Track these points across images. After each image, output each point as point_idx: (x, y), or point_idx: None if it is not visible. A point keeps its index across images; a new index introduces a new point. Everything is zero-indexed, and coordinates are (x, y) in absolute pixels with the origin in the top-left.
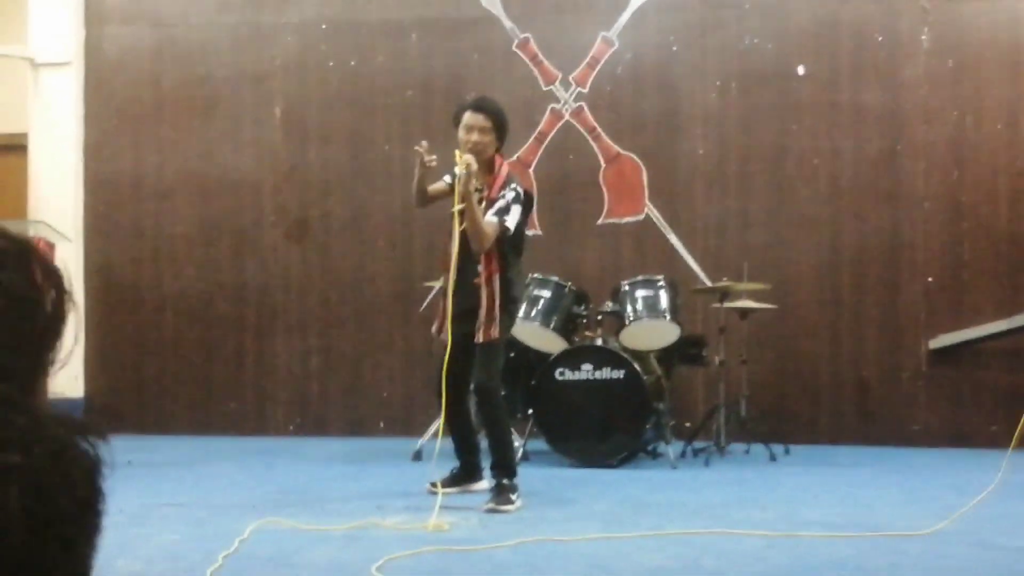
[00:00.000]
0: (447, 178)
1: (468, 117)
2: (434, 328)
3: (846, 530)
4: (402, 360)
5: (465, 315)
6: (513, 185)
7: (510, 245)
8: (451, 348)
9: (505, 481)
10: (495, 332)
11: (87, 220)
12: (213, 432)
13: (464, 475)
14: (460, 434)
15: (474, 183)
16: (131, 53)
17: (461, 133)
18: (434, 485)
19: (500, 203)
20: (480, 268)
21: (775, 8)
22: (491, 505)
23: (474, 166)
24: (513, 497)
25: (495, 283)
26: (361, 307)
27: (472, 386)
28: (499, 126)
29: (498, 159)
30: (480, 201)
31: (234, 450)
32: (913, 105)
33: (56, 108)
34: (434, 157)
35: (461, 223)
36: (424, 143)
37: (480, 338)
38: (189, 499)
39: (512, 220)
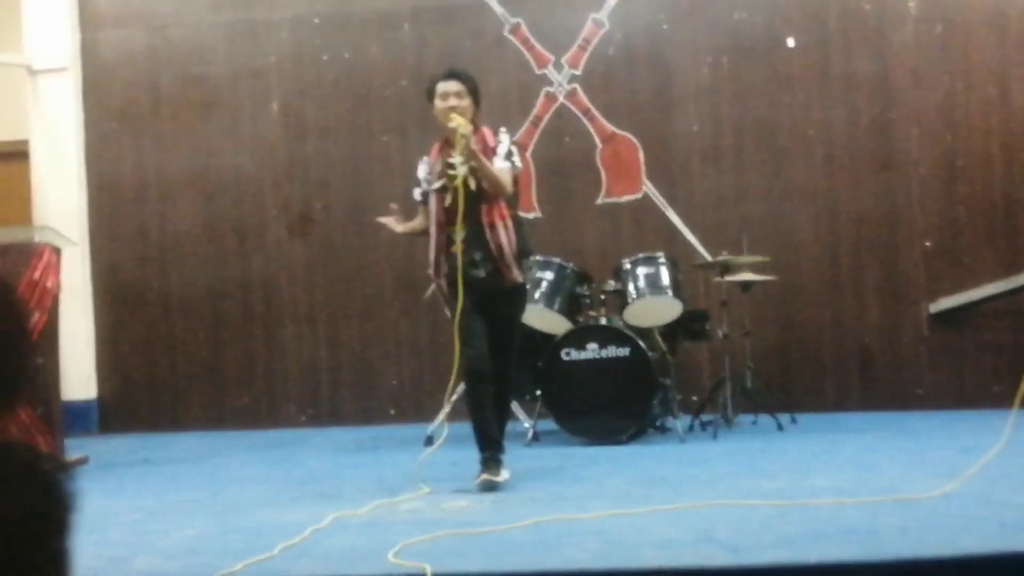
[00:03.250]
0: (417, 193)
1: (442, 86)
2: (431, 271)
3: (856, 495)
4: (409, 348)
5: (480, 283)
6: (503, 131)
7: (512, 193)
8: (464, 303)
9: (502, 456)
10: (519, 276)
11: (92, 223)
12: (226, 427)
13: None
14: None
15: (472, 141)
16: (127, 55)
17: (438, 103)
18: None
19: (501, 149)
20: (484, 218)
21: None
22: (490, 479)
23: (469, 126)
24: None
25: (508, 226)
26: (366, 297)
27: (500, 369)
28: (473, 91)
29: (477, 125)
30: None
31: (248, 444)
32: (903, 72)
33: (55, 113)
34: (396, 222)
35: (448, 191)
36: (391, 215)
37: (508, 280)
38: (205, 494)
39: (518, 160)
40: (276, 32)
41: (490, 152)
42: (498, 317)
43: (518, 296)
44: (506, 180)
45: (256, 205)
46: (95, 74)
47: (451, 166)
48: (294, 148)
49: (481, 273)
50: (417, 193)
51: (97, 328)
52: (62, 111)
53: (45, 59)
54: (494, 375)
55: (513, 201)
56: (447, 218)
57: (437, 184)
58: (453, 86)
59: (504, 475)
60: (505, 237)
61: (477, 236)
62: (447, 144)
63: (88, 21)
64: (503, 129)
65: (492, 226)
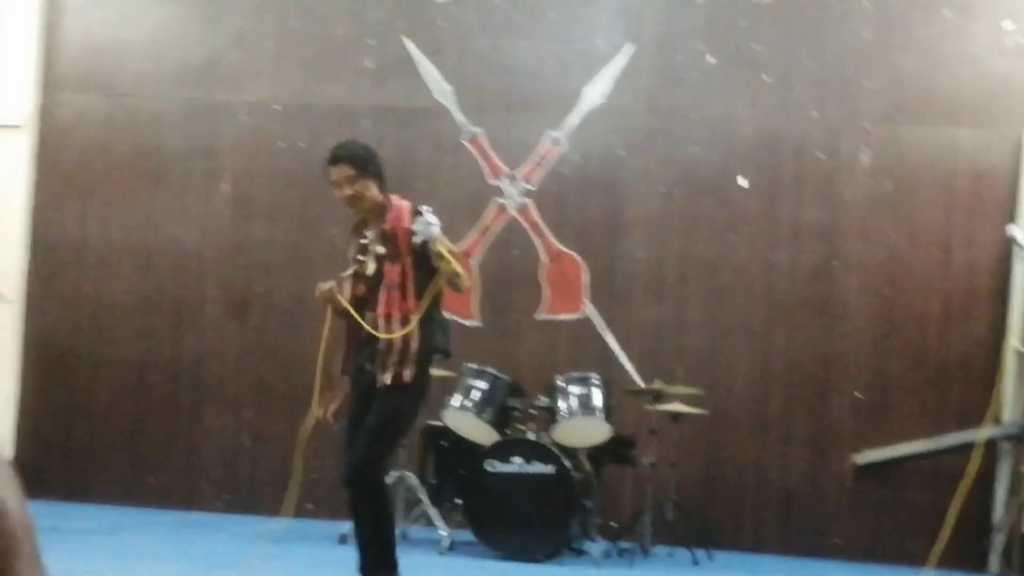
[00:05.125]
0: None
1: (328, 173)
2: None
3: None
4: (332, 444)
5: (362, 368)
6: (428, 209)
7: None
8: (352, 406)
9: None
10: (408, 376)
11: (28, 283)
12: (141, 503)
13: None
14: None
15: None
16: (84, 120)
17: (334, 191)
18: None
19: (435, 229)
20: (382, 308)
21: (720, 120)
22: None
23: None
24: None
25: (408, 321)
26: (295, 387)
27: (352, 464)
28: (363, 166)
29: (387, 197)
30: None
31: (161, 522)
32: (850, 223)
33: (5, 171)
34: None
35: (364, 272)
36: (323, 287)
37: (379, 381)
38: (109, 568)
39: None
40: (235, 114)
41: (399, 229)
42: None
43: (393, 394)
44: (464, 271)
45: (196, 282)
46: (49, 135)
47: (364, 249)
48: (240, 230)
49: (367, 367)
50: (347, 274)
51: (22, 389)
52: (12, 169)
53: (1, 115)
54: (346, 472)
55: (437, 296)
56: (356, 306)
57: (347, 272)
58: (336, 173)
59: None
60: (401, 339)
61: (372, 338)
62: (362, 223)
63: (49, 82)
64: (428, 208)
65: (388, 319)
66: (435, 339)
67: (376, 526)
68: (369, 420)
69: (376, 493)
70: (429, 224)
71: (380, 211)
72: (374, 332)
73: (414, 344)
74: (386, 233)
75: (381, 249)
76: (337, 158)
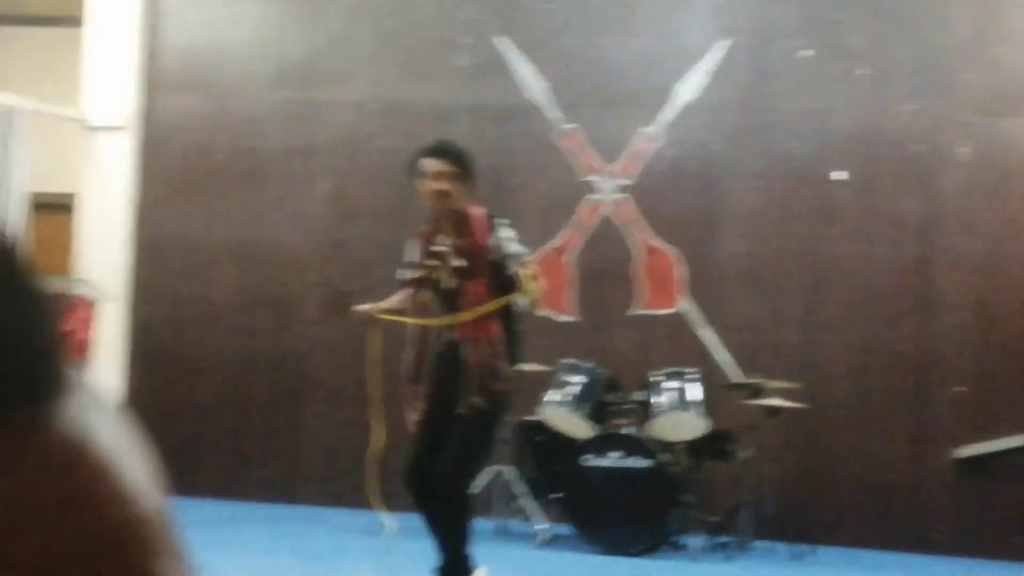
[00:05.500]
0: (405, 274)
1: (424, 163)
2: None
3: None
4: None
5: (443, 382)
6: (505, 223)
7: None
8: (425, 409)
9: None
10: (495, 393)
11: (132, 282)
12: (244, 497)
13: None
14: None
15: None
16: (186, 121)
17: (421, 183)
18: None
19: (509, 248)
20: (459, 328)
21: (816, 114)
22: None
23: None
24: None
25: (491, 342)
26: (396, 383)
27: (442, 476)
28: (463, 167)
29: (471, 210)
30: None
31: (263, 516)
32: (950, 216)
33: (108, 171)
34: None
35: (437, 279)
36: (358, 309)
37: (476, 400)
38: (213, 562)
39: (521, 253)
40: (334, 113)
41: (479, 246)
42: (458, 421)
43: (481, 411)
44: (539, 289)
45: (295, 281)
46: (152, 136)
47: (434, 255)
48: (340, 229)
49: (446, 373)
50: (405, 276)
51: (126, 386)
52: (115, 169)
53: (103, 116)
54: (432, 478)
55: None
56: (424, 315)
57: (415, 274)
58: (435, 165)
59: None
60: (475, 356)
61: (450, 345)
62: (434, 227)
63: (151, 83)
64: (506, 221)
65: (465, 340)
66: (515, 354)
67: (454, 532)
68: (458, 434)
69: (461, 504)
70: (508, 240)
71: (459, 219)
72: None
73: (498, 361)
74: (468, 247)
75: (461, 263)
76: (440, 151)
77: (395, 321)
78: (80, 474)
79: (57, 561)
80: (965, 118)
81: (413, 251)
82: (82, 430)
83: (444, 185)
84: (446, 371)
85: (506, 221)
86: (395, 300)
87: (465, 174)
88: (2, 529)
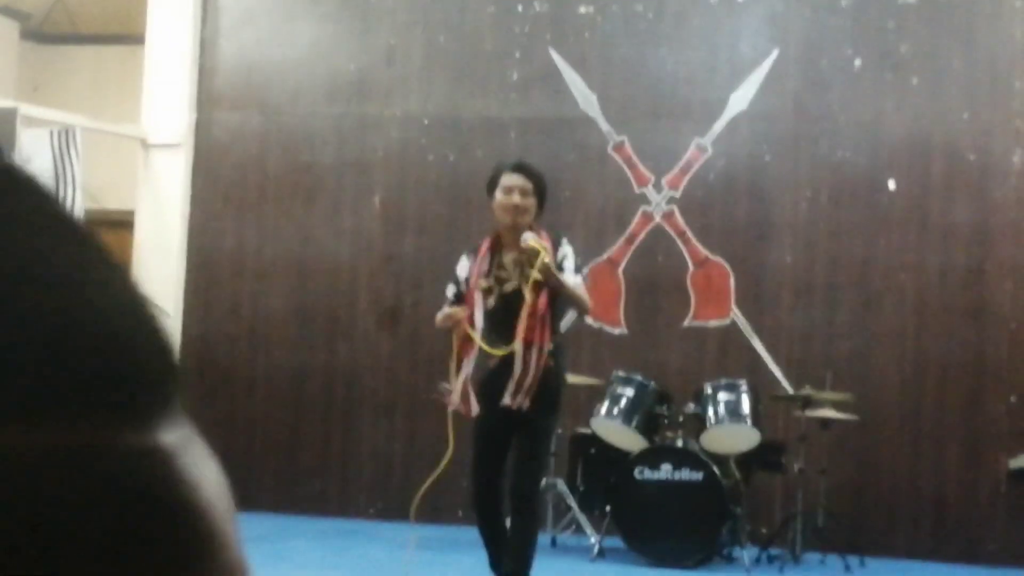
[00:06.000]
0: (451, 291)
1: (508, 178)
2: (453, 397)
3: None
4: None
5: (501, 393)
6: (566, 240)
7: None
8: (481, 423)
9: None
10: (555, 402)
11: (187, 297)
12: (296, 511)
13: None
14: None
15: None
16: (239, 137)
17: (499, 196)
18: None
19: (568, 263)
20: (524, 334)
21: (868, 124)
22: None
23: (547, 252)
24: None
25: (545, 350)
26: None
27: (519, 491)
28: (541, 191)
29: (538, 227)
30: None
31: (315, 530)
32: (1003, 225)
33: (164, 187)
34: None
35: (493, 293)
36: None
37: (536, 408)
38: (266, 575)
39: (586, 269)
40: (386, 128)
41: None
42: (521, 432)
43: (542, 419)
44: (586, 297)
45: (348, 295)
46: (206, 152)
47: (503, 267)
48: (391, 243)
49: (501, 391)
50: (451, 291)
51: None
52: (171, 186)
53: (160, 134)
54: (510, 494)
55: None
56: (489, 324)
57: (484, 284)
58: (519, 180)
59: None
60: (536, 362)
61: (507, 356)
62: (499, 241)
63: (205, 100)
64: (566, 239)
65: (528, 346)
66: (566, 364)
67: (528, 540)
68: (525, 447)
69: (536, 512)
70: (569, 258)
71: (549, 267)
72: (516, 358)
73: (555, 371)
74: (543, 262)
75: (537, 276)
76: (524, 169)
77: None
78: (188, 532)
79: None
80: (1019, 126)
81: (467, 265)
82: (193, 468)
83: (525, 201)
84: (504, 383)
85: (566, 239)
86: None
87: (541, 194)
88: None
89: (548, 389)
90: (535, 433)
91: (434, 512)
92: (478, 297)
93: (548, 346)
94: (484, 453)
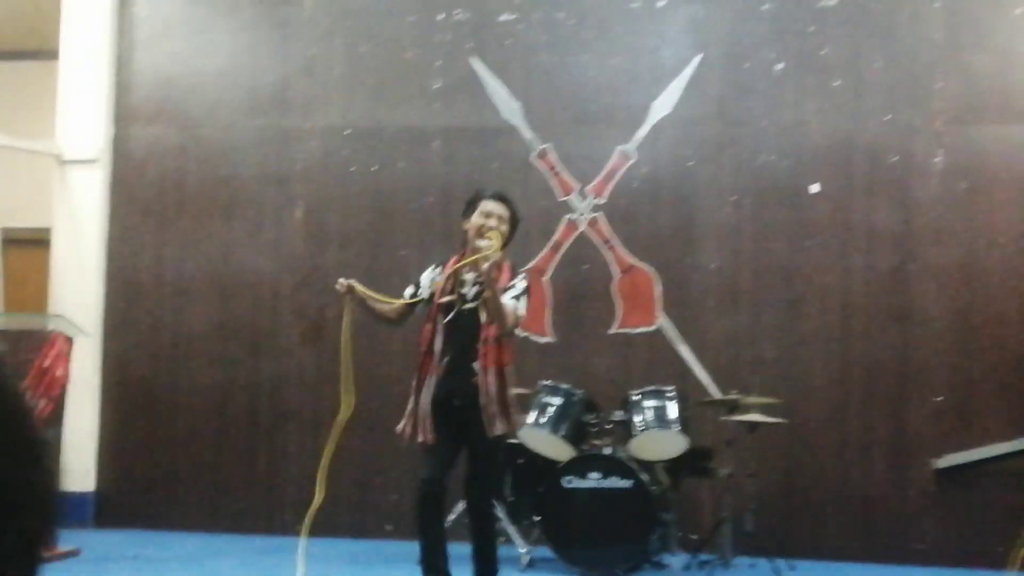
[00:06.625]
0: (408, 291)
1: (488, 204)
2: (401, 427)
3: None
4: (410, 463)
5: (456, 411)
6: (523, 275)
7: (508, 332)
8: (437, 452)
9: None
10: (503, 427)
11: (107, 315)
12: (222, 529)
13: None
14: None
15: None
16: (157, 152)
17: (475, 218)
18: None
19: (514, 290)
20: (480, 359)
21: (791, 127)
22: None
23: (498, 252)
24: None
25: (504, 373)
26: (372, 410)
27: (479, 497)
28: (514, 221)
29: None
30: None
31: (241, 548)
32: (925, 226)
33: (81, 204)
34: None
35: (453, 309)
36: (342, 281)
37: (493, 431)
38: None
39: (523, 308)
40: (306, 140)
41: (501, 290)
42: (475, 446)
43: (500, 437)
44: (513, 315)
45: (271, 309)
46: (124, 168)
47: (463, 283)
48: (314, 256)
49: (456, 401)
50: (408, 291)
51: (102, 421)
52: (88, 202)
53: (76, 150)
54: (473, 506)
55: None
56: (445, 336)
57: (446, 298)
58: (499, 209)
59: None
60: (495, 386)
61: (464, 373)
62: (460, 259)
63: (122, 115)
64: (523, 274)
65: (485, 371)
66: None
67: (488, 545)
68: (484, 457)
69: (494, 518)
70: (514, 289)
71: (496, 264)
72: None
73: (509, 391)
74: (494, 290)
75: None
76: (504, 199)
77: (370, 299)
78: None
79: None
80: (939, 128)
81: (430, 276)
82: None
83: (499, 227)
84: (462, 399)
85: (524, 274)
86: (387, 308)
87: (513, 228)
88: None
89: (508, 408)
90: (492, 446)
91: (361, 528)
92: (435, 311)
93: (505, 367)
94: (432, 456)
